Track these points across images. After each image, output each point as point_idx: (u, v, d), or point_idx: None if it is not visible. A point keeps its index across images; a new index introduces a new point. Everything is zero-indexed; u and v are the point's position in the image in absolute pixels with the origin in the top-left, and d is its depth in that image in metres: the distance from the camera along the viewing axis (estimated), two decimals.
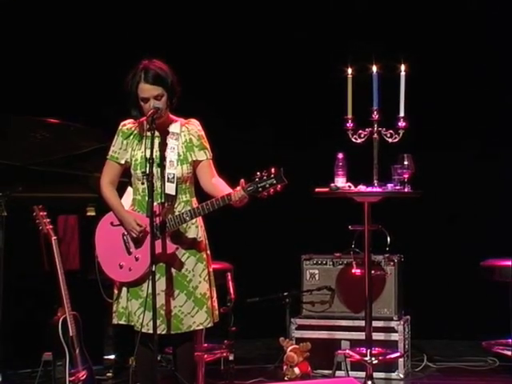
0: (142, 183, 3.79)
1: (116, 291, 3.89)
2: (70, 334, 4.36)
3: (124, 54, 6.17)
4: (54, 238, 4.44)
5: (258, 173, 3.63)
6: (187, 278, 3.82)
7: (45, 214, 4.47)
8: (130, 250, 3.80)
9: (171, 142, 3.81)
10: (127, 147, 3.85)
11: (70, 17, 6.15)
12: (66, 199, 5.14)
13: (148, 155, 3.66)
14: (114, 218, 3.84)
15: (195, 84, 4.80)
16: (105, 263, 3.84)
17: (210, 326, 3.90)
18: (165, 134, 3.83)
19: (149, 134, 3.69)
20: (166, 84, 3.74)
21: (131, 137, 3.84)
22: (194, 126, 3.89)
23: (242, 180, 3.66)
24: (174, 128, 3.85)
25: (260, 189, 3.61)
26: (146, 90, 3.71)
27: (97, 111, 5.74)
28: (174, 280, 3.80)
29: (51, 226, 4.46)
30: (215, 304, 3.92)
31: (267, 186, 3.60)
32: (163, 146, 3.79)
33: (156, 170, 3.74)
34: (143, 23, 6.20)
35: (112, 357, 5.19)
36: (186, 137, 3.86)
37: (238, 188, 3.67)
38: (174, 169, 3.78)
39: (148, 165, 3.66)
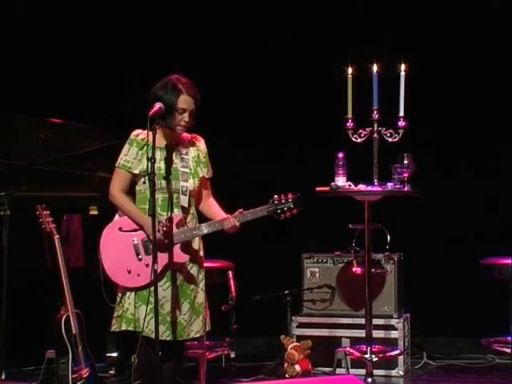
0: (157, 193, 3.79)
1: (119, 296, 3.88)
2: (73, 332, 4.37)
3: (126, 57, 6.24)
4: (56, 236, 4.45)
5: (277, 196, 3.81)
6: (190, 287, 3.88)
7: (48, 213, 4.48)
8: (140, 257, 3.80)
9: (183, 155, 3.89)
10: (142, 158, 3.84)
11: (74, 18, 6.16)
12: (69, 198, 5.17)
13: (150, 155, 3.68)
14: (123, 223, 3.83)
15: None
16: (111, 269, 3.81)
17: (202, 334, 3.96)
18: (177, 146, 3.90)
19: (155, 135, 3.72)
20: (197, 101, 3.87)
21: (145, 147, 3.84)
22: (201, 142, 3.99)
23: (241, 210, 3.83)
24: (184, 141, 3.93)
25: (278, 211, 3.80)
26: (187, 101, 3.81)
27: (100, 111, 5.78)
28: (179, 288, 3.85)
29: (54, 225, 4.48)
30: (208, 313, 3.99)
31: (285, 209, 3.80)
32: (177, 159, 3.87)
33: (174, 182, 3.82)
34: (144, 25, 6.23)
35: (114, 354, 5.23)
36: (194, 152, 3.94)
37: (234, 215, 3.81)
38: (186, 182, 3.86)
39: (150, 164, 3.67)
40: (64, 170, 5.06)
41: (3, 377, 4.74)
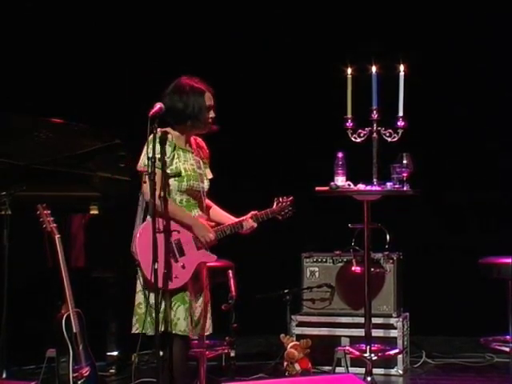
0: (182, 194, 3.87)
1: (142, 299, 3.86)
2: (74, 331, 4.38)
3: (126, 56, 6.25)
4: (57, 236, 4.46)
5: (279, 198, 4.09)
6: (207, 287, 3.99)
7: (48, 212, 4.49)
8: (177, 258, 3.82)
9: (195, 157, 3.96)
10: (173, 158, 3.87)
11: (75, 18, 6.17)
12: (70, 198, 5.20)
13: (150, 154, 3.71)
14: (157, 224, 3.75)
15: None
16: (149, 270, 3.72)
17: (211, 332, 4.06)
18: (190, 148, 3.96)
19: (159, 135, 3.75)
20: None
21: (175, 148, 3.88)
22: (204, 145, 4.06)
23: (255, 212, 4.02)
24: (192, 143, 3.98)
25: (283, 212, 4.09)
26: (210, 98, 3.93)
27: (100, 111, 5.80)
28: (202, 286, 3.96)
29: (55, 225, 4.48)
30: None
31: (286, 210, 4.11)
32: (193, 160, 3.93)
33: (195, 183, 3.89)
34: (143, 25, 6.22)
35: (115, 353, 5.25)
36: (201, 154, 4.02)
37: (250, 216, 3.98)
38: (203, 183, 3.94)
39: (150, 163, 3.69)
40: (64, 170, 5.08)
41: (4, 376, 4.76)
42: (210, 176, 4.02)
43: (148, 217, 3.86)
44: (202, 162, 3.98)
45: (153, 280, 3.67)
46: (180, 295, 3.83)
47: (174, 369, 3.79)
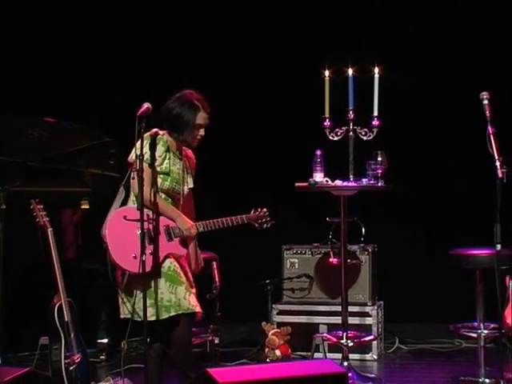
0: (162, 193, 4.05)
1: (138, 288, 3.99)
2: (66, 320, 4.45)
3: (121, 59, 6.33)
4: (49, 229, 4.53)
5: (257, 208, 4.20)
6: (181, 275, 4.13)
7: (41, 207, 4.56)
8: (145, 245, 3.97)
9: (182, 163, 4.14)
10: (165, 158, 4.07)
11: (70, 18, 6.21)
12: (62, 193, 5.26)
13: (139, 152, 3.92)
14: (128, 212, 3.96)
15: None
16: (117, 254, 3.96)
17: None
18: (179, 154, 4.15)
19: (151, 134, 3.99)
20: (210, 116, 4.12)
21: (168, 150, 4.09)
22: (193, 156, 4.22)
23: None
24: (180, 149, 4.17)
25: (259, 221, 4.21)
26: (204, 118, 4.08)
27: (95, 111, 5.92)
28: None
29: (47, 219, 4.55)
30: None
31: (264, 220, 4.22)
32: (180, 165, 4.12)
33: (179, 186, 4.09)
34: (136, 26, 6.29)
35: (105, 341, 5.38)
36: (188, 164, 4.20)
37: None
38: (185, 186, 4.15)
39: (138, 161, 3.89)
40: (57, 167, 5.12)
41: None
42: (191, 185, 4.17)
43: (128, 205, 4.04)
44: (186, 171, 4.15)
45: (120, 263, 3.90)
46: (172, 276, 3.98)
47: (182, 349, 3.96)
